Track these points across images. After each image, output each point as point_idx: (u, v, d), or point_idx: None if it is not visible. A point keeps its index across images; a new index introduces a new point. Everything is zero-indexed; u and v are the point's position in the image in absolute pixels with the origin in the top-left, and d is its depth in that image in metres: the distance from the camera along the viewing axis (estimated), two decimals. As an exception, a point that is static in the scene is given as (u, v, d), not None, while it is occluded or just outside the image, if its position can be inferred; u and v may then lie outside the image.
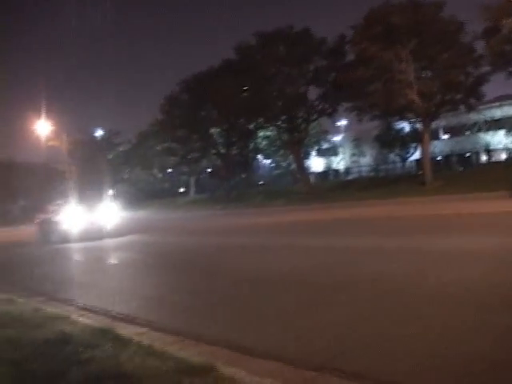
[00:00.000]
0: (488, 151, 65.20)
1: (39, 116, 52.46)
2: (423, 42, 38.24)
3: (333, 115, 55.73)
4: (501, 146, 63.20)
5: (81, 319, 7.45)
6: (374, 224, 20.09)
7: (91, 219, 25.61)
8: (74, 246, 23.11)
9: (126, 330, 6.66)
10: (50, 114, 53.59)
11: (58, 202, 29.11)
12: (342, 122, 79.48)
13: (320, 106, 54.30)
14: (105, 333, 6.35)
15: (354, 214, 25.59)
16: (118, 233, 25.75)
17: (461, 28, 39.95)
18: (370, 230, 17.52)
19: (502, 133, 62.57)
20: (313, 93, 54.76)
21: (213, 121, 61.07)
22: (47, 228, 27.14)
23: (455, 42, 39.29)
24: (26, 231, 40.90)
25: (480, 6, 31.09)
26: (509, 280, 7.54)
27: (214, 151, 65.31)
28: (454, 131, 68.27)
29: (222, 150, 64.36)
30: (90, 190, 35.74)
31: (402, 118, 48.66)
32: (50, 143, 61.02)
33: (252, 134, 63.62)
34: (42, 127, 53.52)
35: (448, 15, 40.10)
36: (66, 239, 24.53)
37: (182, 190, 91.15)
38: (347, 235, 16.55)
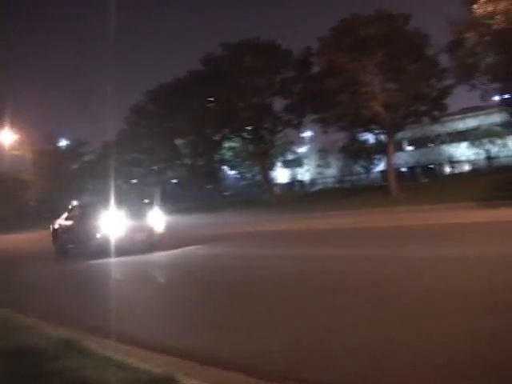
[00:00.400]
0: (451, 163, 66.01)
1: (2, 125, 51.86)
2: (390, 53, 38.64)
3: (298, 126, 55.90)
4: (464, 158, 64.06)
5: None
6: (341, 234, 20.17)
7: (136, 226, 20.27)
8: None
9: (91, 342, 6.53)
10: (13, 123, 53.04)
11: (87, 203, 25.42)
12: (308, 134, 79.93)
13: (286, 118, 54.38)
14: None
15: (319, 225, 25.65)
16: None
17: (426, 41, 40.47)
18: (336, 241, 17.62)
19: (464, 145, 63.43)
20: (279, 104, 54.79)
21: (179, 132, 60.90)
22: (73, 237, 21.83)
23: (420, 54, 39.79)
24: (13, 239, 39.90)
25: (447, 21, 31.54)
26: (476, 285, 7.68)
27: (179, 162, 65.14)
28: (418, 143, 69.16)
29: (188, 161, 64.23)
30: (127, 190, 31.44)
31: (368, 130, 48.90)
32: (14, 152, 60.38)
33: (218, 145, 63.56)
34: (5, 136, 52.94)
35: (413, 28, 40.67)
36: (103, 251, 18.95)
37: (146, 200, 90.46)
38: (316, 245, 16.74)
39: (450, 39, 34.39)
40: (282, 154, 77.77)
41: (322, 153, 79.96)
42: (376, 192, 43.89)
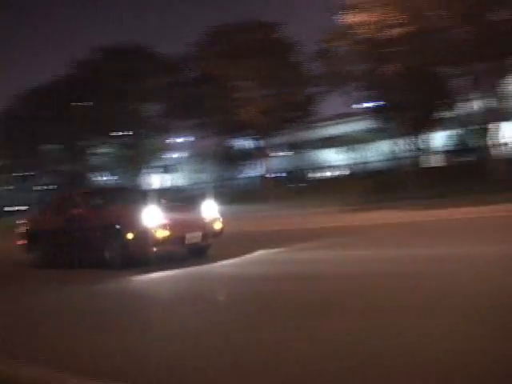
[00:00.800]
0: (325, 168, 67.49)
1: None
2: (262, 60, 39.13)
3: (173, 132, 55.62)
4: (338, 163, 65.68)
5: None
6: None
7: (187, 222, 13.33)
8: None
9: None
10: None
11: (97, 190, 20.94)
12: (183, 139, 79.59)
13: (159, 123, 53.95)
14: None
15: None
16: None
17: (295, 48, 41.41)
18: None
19: (337, 150, 65.02)
20: (153, 109, 54.37)
21: (47, 137, 59.13)
22: (69, 240, 14.17)
23: (290, 61, 40.64)
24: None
25: (317, 29, 32.36)
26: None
27: (50, 168, 63.32)
28: (293, 148, 70.27)
29: (59, 167, 62.50)
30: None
31: (242, 135, 49.29)
32: None
33: (89, 151, 62.24)
34: None
35: (284, 36, 41.46)
36: (132, 260, 12.54)
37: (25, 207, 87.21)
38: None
39: (320, 47, 35.21)
40: (156, 160, 77.08)
41: (197, 158, 79.77)
42: (251, 197, 44.09)
